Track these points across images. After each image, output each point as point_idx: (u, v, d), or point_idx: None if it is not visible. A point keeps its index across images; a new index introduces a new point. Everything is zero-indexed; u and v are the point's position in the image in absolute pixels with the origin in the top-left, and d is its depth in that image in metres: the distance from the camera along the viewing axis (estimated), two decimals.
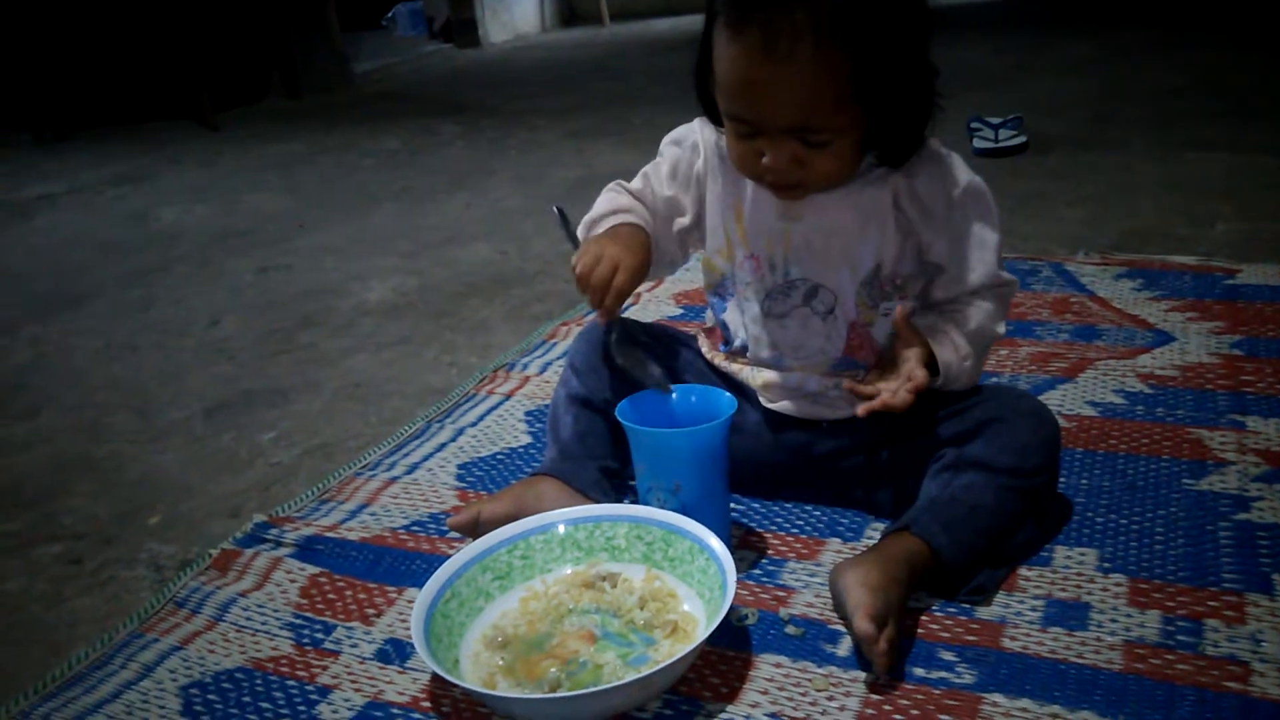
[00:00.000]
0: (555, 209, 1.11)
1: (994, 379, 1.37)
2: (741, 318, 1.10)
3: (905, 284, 1.05)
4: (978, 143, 2.63)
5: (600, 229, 1.07)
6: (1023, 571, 0.99)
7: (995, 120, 2.66)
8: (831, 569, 0.94)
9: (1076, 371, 1.38)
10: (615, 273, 1.00)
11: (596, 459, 1.11)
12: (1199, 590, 0.94)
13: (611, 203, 1.10)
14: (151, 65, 4.63)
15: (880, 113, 0.93)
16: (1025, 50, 4.24)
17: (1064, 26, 4.85)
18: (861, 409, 0.98)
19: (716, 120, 1.02)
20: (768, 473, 1.13)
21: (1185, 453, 1.17)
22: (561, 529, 1.03)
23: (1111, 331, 1.49)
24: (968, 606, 0.95)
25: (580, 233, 1.09)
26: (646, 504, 1.04)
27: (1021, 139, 2.62)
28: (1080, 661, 0.86)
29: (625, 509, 1.04)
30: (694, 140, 1.09)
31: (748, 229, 1.06)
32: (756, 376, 1.10)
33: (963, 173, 1.02)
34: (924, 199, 1.00)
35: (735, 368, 1.12)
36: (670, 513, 1.00)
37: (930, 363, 1.00)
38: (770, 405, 1.10)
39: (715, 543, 0.95)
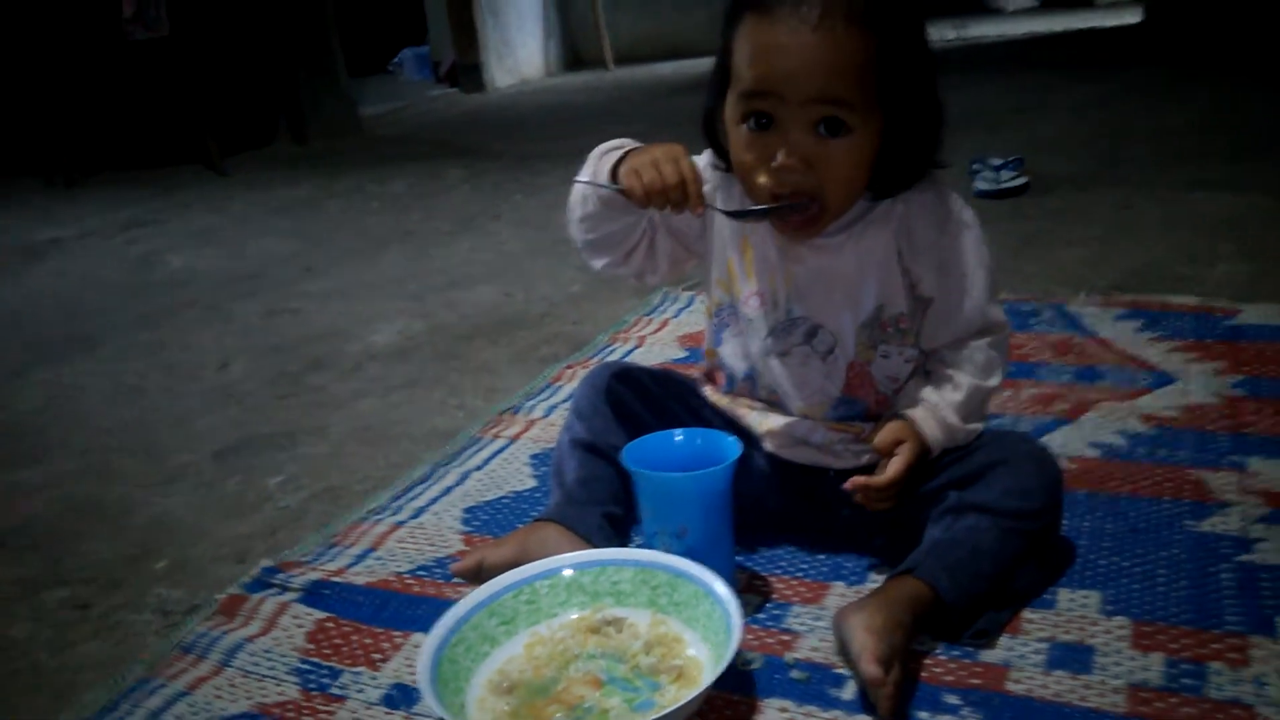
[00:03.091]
0: (576, 181, 1.03)
1: (996, 421, 1.38)
2: (740, 351, 1.11)
3: (907, 326, 1.06)
4: (979, 184, 2.65)
5: (615, 154, 1.01)
6: (1026, 614, 0.99)
7: (997, 161, 2.69)
8: (835, 613, 0.95)
9: (1078, 413, 1.38)
10: (678, 163, 0.95)
11: (600, 504, 1.12)
12: (1202, 632, 0.94)
13: (610, 142, 1.04)
14: (160, 111, 4.68)
15: (897, 115, 0.95)
16: (1028, 91, 4.27)
17: (1067, 67, 4.88)
18: (857, 495, 1.02)
19: (723, 157, 1.03)
20: (772, 517, 1.14)
21: (1187, 494, 1.17)
22: (568, 573, 1.04)
23: (1113, 372, 1.50)
24: (971, 649, 0.95)
25: (591, 168, 1.03)
26: (652, 548, 1.04)
27: (1023, 180, 2.64)
28: (1084, 705, 0.87)
29: (631, 553, 1.05)
30: (706, 163, 1.08)
31: (754, 263, 1.07)
32: (762, 422, 1.11)
33: (956, 205, 1.04)
34: (915, 228, 1.02)
35: (740, 412, 1.13)
36: (676, 557, 1.01)
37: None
38: (776, 451, 1.11)
39: (721, 587, 0.96)
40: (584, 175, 1.02)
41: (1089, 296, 1.82)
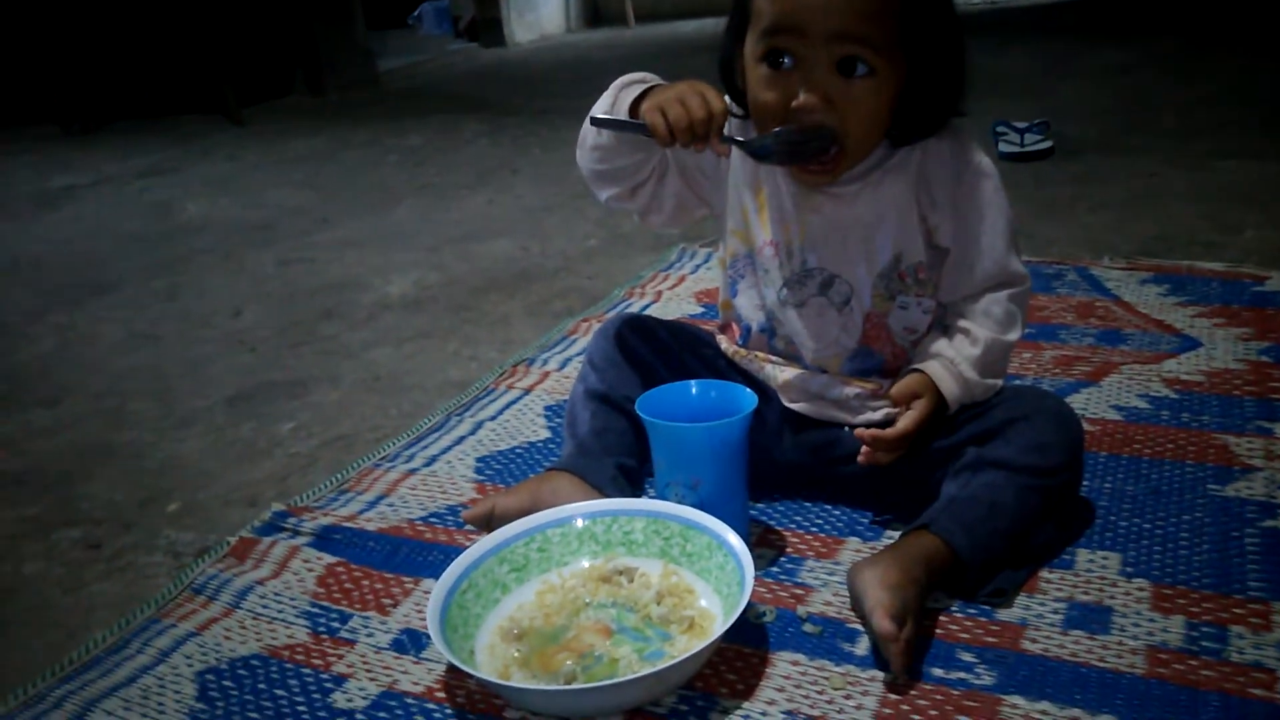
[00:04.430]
0: (594, 117, 0.99)
1: (1016, 382, 1.36)
2: (755, 301, 1.10)
3: (925, 277, 1.04)
4: (1003, 147, 2.61)
5: (637, 88, 0.98)
6: (1044, 574, 0.98)
7: (1021, 125, 2.65)
8: (850, 567, 0.93)
9: (1101, 375, 1.36)
10: (704, 96, 0.92)
11: (614, 455, 1.10)
12: (1224, 597, 0.92)
13: (630, 75, 1.01)
14: (178, 59, 4.66)
15: (920, 60, 0.93)
16: (1055, 56, 4.21)
17: (1095, 33, 4.81)
18: (862, 456, 1.01)
19: (741, 103, 1.01)
20: (787, 471, 1.12)
21: (1211, 458, 1.15)
22: (580, 523, 1.03)
23: (1136, 336, 1.48)
24: (987, 608, 0.94)
25: (610, 99, 0.99)
26: (665, 499, 1.03)
27: (1047, 144, 2.60)
28: (1102, 665, 0.85)
29: (643, 503, 1.04)
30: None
31: (769, 211, 1.05)
32: (777, 375, 1.10)
33: (975, 154, 1.01)
34: (933, 177, 1.00)
35: (756, 365, 1.12)
36: (689, 508, 1.00)
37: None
38: (791, 405, 1.10)
39: (734, 539, 0.95)
40: (601, 106, 0.99)
41: (1113, 260, 1.79)
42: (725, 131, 0.94)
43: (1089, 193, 2.28)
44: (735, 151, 1.02)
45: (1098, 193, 2.28)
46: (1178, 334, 1.47)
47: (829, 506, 1.12)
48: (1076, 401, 1.29)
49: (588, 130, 1.02)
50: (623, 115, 0.97)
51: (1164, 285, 1.65)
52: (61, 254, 2.70)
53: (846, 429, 1.08)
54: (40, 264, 2.62)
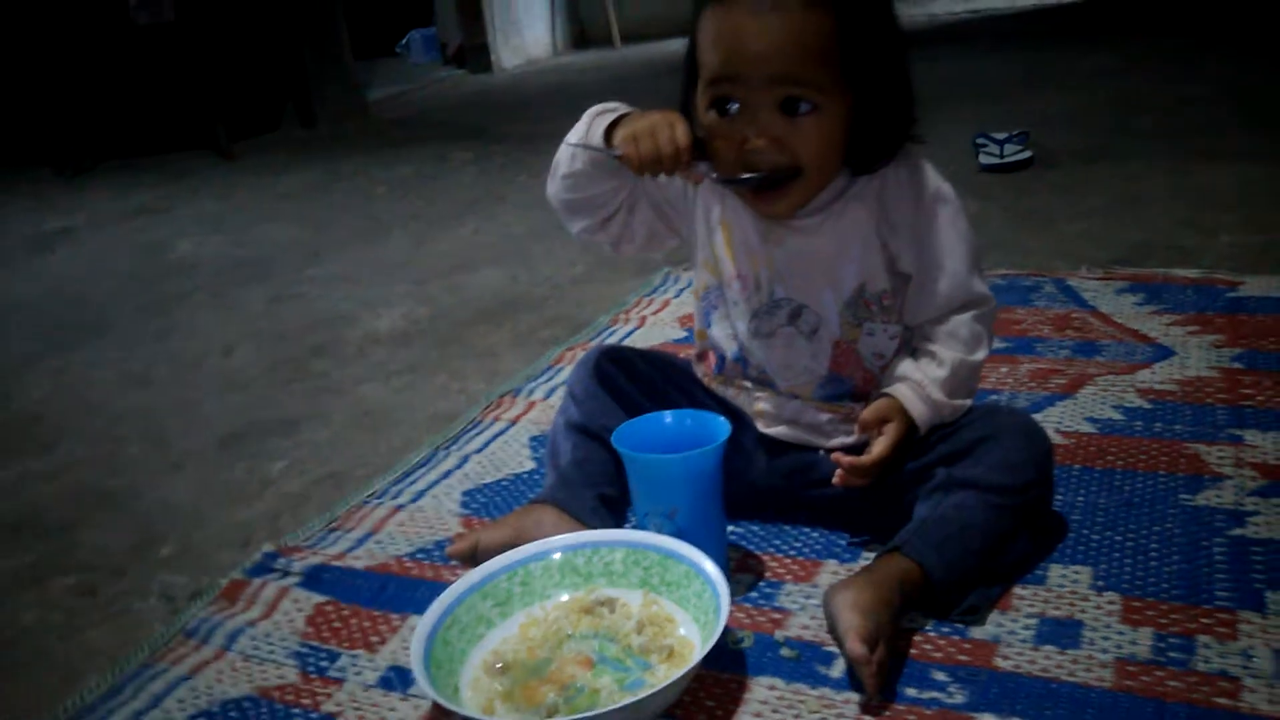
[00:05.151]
0: (569, 144, 1.02)
1: (993, 396, 1.38)
2: (728, 331, 1.12)
3: (890, 303, 1.06)
4: (983, 159, 2.64)
5: (609, 116, 1.01)
6: (1017, 590, 1.00)
7: (1001, 136, 2.67)
8: (825, 591, 0.95)
9: (1076, 388, 1.38)
10: (674, 128, 0.95)
11: (595, 486, 1.12)
12: (1192, 608, 0.94)
13: (603, 104, 1.04)
14: (168, 97, 4.69)
15: (864, 92, 0.96)
16: (1035, 63, 4.24)
17: (1075, 38, 4.84)
18: (836, 479, 1.02)
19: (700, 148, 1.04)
20: (765, 496, 1.14)
21: (1182, 468, 1.17)
22: (558, 556, 1.05)
23: (1112, 347, 1.50)
24: (961, 626, 0.95)
25: (584, 128, 1.02)
26: (644, 529, 1.05)
27: (1027, 154, 2.62)
28: (1072, 680, 0.87)
29: (622, 534, 1.06)
30: None
31: (735, 245, 1.07)
32: (752, 403, 1.12)
33: (933, 178, 1.04)
34: (891, 204, 1.02)
35: (731, 392, 1.14)
36: (667, 537, 1.02)
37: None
38: (766, 431, 1.12)
39: (710, 567, 0.96)
40: (575, 135, 1.02)
41: (1090, 271, 1.81)
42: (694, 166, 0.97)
43: (1069, 201, 2.31)
44: (702, 187, 1.05)
45: (1077, 201, 2.30)
46: (1152, 343, 1.49)
47: (806, 529, 1.14)
48: (1052, 415, 1.31)
49: (560, 159, 1.05)
50: (597, 143, 1.00)
51: (1139, 294, 1.68)
52: (56, 297, 2.73)
53: (821, 452, 1.10)
54: (36, 307, 2.65)
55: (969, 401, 1.06)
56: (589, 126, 1.01)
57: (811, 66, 0.93)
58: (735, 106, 0.96)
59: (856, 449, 1.04)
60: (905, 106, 1.00)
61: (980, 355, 1.06)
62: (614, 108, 1.02)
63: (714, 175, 1.00)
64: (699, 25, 0.98)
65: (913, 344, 1.08)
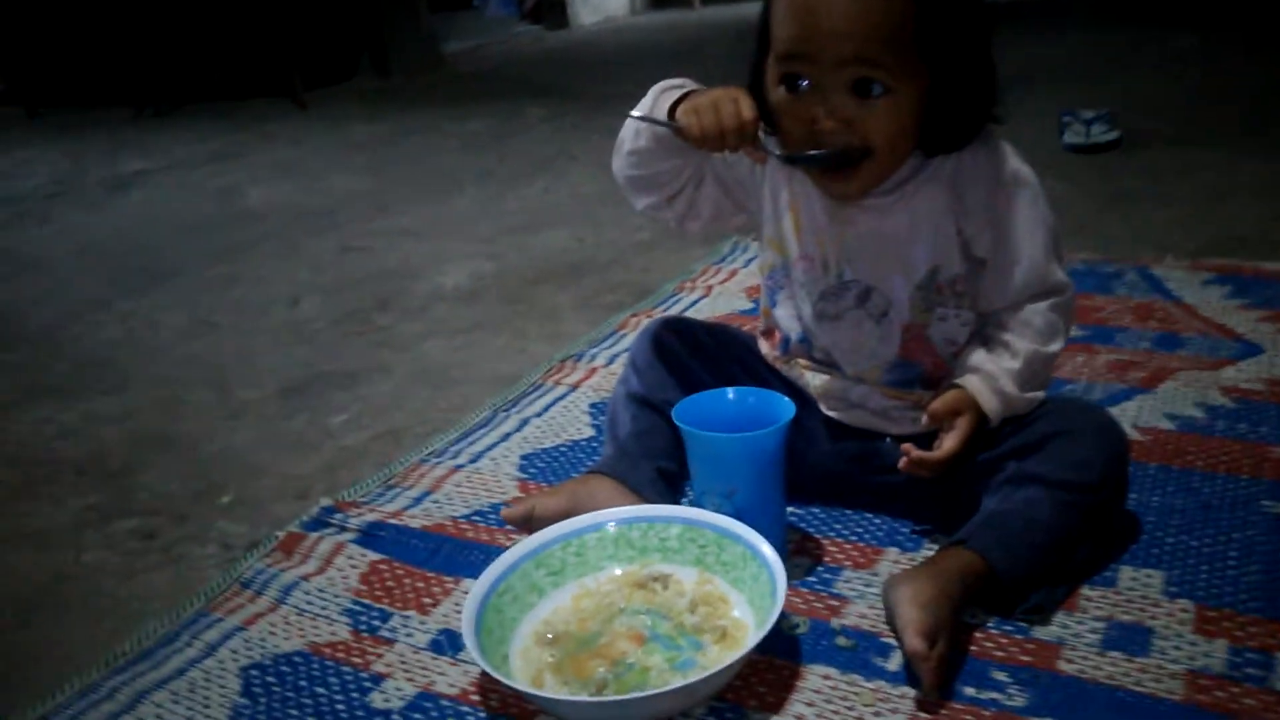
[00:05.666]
0: (632, 115, 1.00)
1: (1068, 386, 1.33)
2: (793, 312, 1.09)
3: (964, 289, 1.02)
4: (1068, 137, 2.56)
5: (675, 92, 0.98)
6: (1085, 591, 0.96)
7: (1088, 114, 2.59)
8: (885, 581, 0.93)
9: (1155, 382, 1.33)
10: (738, 103, 0.92)
11: (653, 459, 1.10)
12: (1271, 621, 0.90)
13: (670, 80, 1.01)
14: (247, 43, 4.73)
15: (942, 74, 0.92)
16: (1122, 44, 4.10)
17: (1164, 20, 4.66)
18: (902, 464, 0.99)
19: (770, 122, 1.00)
20: (827, 479, 1.12)
21: (1267, 473, 1.12)
22: (613, 528, 1.03)
23: (1195, 340, 1.44)
24: (1024, 625, 0.93)
25: (649, 103, 0.99)
26: (701, 506, 1.03)
27: (1114, 135, 2.53)
28: (1139, 689, 0.84)
29: (678, 510, 1.04)
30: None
31: (802, 225, 1.04)
32: (817, 384, 1.09)
33: (1011, 160, 0.99)
34: (967, 187, 0.98)
35: (796, 372, 1.11)
36: (724, 516, 1.00)
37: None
38: (830, 414, 1.09)
39: (768, 550, 0.94)
40: (640, 110, 1.00)
41: (1175, 259, 1.74)
42: (761, 141, 0.94)
43: (1156, 187, 2.23)
44: (770, 168, 1.01)
45: (1165, 187, 2.22)
46: (1239, 338, 1.44)
47: (869, 515, 1.11)
48: (1129, 409, 1.27)
49: (625, 134, 1.02)
50: (660, 117, 0.97)
51: (1227, 286, 1.61)
52: (128, 240, 2.77)
53: (887, 439, 1.07)
54: (108, 250, 2.69)
55: (1042, 394, 1.03)
56: (655, 102, 0.99)
57: (887, 48, 0.89)
58: (806, 84, 0.92)
59: (923, 436, 1.01)
60: (985, 89, 0.95)
61: (1056, 346, 1.02)
62: (681, 84, 1.00)
63: (778, 152, 0.97)
64: (772, 5, 0.94)
65: (985, 331, 1.04)
